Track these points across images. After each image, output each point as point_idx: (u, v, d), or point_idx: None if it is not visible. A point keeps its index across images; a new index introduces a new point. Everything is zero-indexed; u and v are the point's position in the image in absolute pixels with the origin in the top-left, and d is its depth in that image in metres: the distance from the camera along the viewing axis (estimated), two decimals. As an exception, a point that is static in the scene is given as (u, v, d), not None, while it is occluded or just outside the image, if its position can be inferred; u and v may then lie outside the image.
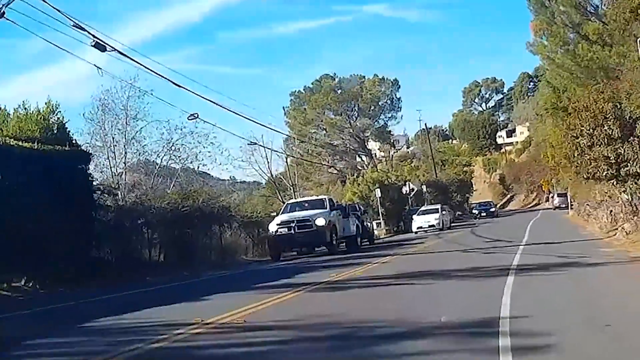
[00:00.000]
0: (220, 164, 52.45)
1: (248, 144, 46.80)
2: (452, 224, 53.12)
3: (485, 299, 11.12)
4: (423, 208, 51.38)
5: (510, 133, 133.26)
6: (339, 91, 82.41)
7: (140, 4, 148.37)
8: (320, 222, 28.78)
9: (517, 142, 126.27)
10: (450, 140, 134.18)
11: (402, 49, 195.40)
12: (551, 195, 78.63)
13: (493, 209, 71.12)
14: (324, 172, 79.30)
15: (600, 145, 21.10)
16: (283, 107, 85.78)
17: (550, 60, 33.76)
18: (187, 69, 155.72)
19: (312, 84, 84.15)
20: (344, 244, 32.26)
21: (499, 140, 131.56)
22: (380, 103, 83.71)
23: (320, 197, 34.30)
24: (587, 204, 34.61)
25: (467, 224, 54.24)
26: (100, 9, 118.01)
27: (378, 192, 50.65)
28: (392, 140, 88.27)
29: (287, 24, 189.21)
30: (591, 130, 21.14)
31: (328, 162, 78.92)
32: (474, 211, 72.57)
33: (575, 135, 21.74)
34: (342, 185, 68.47)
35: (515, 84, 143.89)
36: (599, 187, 33.19)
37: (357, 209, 37.69)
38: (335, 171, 79.35)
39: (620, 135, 20.65)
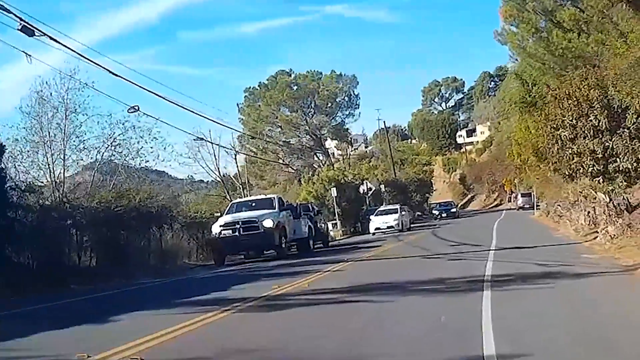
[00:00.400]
0: (163, 160, 48.94)
1: (194, 140, 43.60)
2: (412, 225, 50.76)
3: (461, 326, 8.52)
4: (381, 208, 48.90)
5: (471, 132, 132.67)
6: (295, 87, 79.41)
7: (100, 4, 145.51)
8: (268, 223, 26.10)
9: (477, 141, 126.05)
10: (410, 140, 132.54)
11: (362, 49, 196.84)
12: (514, 195, 77.01)
13: (454, 210, 68.85)
14: (280, 171, 76.54)
15: (585, 138, 18.52)
16: (237, 104, 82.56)
17: (521, 49, 31.31)
18: (146, 68, 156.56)
19: (267, 80, 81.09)
20: (295, 247, 29.68)
21: (459, 140, 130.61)
22: (337, 100, 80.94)
23: (268, 196, 31.45)
24: (558, 205, 32.22)
25: (427, 225, 51.79)
26: (62, 9, 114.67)
27: (334, 192, 48.08)
28: (349, 138, 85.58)
29: (248, 24, 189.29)
30: (574, 120, 18.54)
31: (284, 160, 76.05)
32: (434, 212, 70.17)
33: (555, 126, 19.09)
34: (299, 184, 65.78)
35: (476, 83, 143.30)
36: (571, 186, 30.94)
37: (310, 209, 35.03)
38: (292, 170, 76.53)
39: (608, 127, 18.02)
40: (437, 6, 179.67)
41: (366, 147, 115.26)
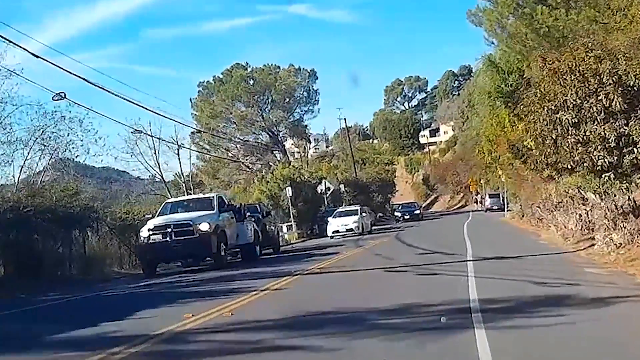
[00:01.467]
0: (95, 155, 44.01)
1: (132, 132, 39.09)
2: (373, 228, 47.00)
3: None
4: (340, 209, 45.02)
5: (434, 132, 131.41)
6: (251, 82, 75.09)
7: (64, 3, 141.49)
8: (204, 226, 22.14)
9: (441, 141, 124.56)
10: (372, 140, 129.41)
11: (325, 48, 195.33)
12: (481, 196, 73.98)
13: (417, 211, 65.03)
14: (236, 170, 72.24)
15: (593, 122, 14.74)
16: (190, 99, 77.88)
17: (499, 29, 27.59)
18: (110, 67, 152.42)
19: (222, 74, 76.54)
20: (239, 255, 25.81)
21: (422, 140, 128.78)
22: (295, 95, 76.84)
23: (207, 195, 27.23)
24: (538, 206, 28.63)
25: (390, 228, 48.07)
26: (25, 7, 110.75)
27: (289, 191, 44.15)
28: (308, 135, 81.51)
29: (211, 22, 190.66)
30: (579, 100, 14.75)
31: (238, 158, 71.79)
32: (396, 213, 66.14)
33: (553, 108, 15.25)
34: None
35: (439, 82, 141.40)
36: (553, 186, 27.42)
37: (259, 210, 31.07)
38: (249, 169, 72.21)
39: (623, 108, 14.25)
40: (400, 5, 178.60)
41: (327, 147, 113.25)
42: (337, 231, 40.35)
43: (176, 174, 48.54)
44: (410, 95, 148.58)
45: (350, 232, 39.96)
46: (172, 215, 23.90)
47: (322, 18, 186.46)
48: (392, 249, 25.67)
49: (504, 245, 22.37)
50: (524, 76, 30.31)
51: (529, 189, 33.31)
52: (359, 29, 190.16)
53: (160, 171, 39.08)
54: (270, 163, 70.46)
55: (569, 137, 15.13)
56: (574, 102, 14.72)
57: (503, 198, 54.59)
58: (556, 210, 24.99)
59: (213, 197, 25.16)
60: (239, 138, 73.29)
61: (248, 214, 27.91)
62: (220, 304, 12.08)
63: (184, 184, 39.91)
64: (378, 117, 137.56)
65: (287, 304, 12.10)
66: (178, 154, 38.96)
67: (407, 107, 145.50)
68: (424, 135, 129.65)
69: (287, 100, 75.64)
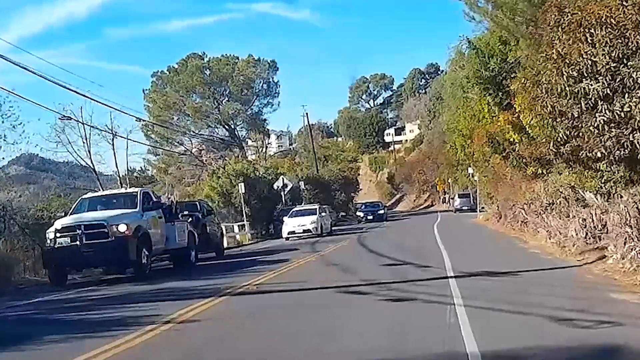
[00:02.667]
0: (14, 143, 39.48)
1: (59, 119, 34.22)
2: (334, 228, 42.93)
3: None
4: (297, 208, 40.71)
5: (400, 131, 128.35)
6: (207, 72, 70.43)
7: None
8: (122, 228, 17.88)
9: (406, 140, 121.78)
10: (336, 138, 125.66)
11: (289, 46, 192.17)
12: (449, 195, 70.45)
13: (382, 211, 60.21)
14: (191, 165, 67.64)
15: (631, 94, 10.64)
16: (143, 90, 72.90)
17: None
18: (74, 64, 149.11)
19: (177, 64, 71.78)
20: (171, 261, 21.66)
21: (387, 139, 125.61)
22: (254, 87, 72.36)
23: (130, 190, 22.68)
24: (522, 208, 24.68)
25: (352, 229, 43.86)
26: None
27: (242, 188, 39.79)
28: (266, 129, 76.96)
29: (173, 21, 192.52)
30: (613, 64, 10.67)
31: (192, 152, 67.24)
32: (358, 213, 61.59)
33: (576, 75, 11.10)
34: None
35: (405, 80, 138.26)
36: (540, 184, 23.59)
37: (199, 208, 26.80)
38: (202, 164, 67.56)
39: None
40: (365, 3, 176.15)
41: (291, 145, 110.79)
42: (293, 232, 36.25)
43: (91, 161, 41.41)
44: (375, 93, 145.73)
45: (308, 234, 35.90)
46: (86, 214, 19.50)
47: (288, 17, 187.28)
48: (352, 256, 21.59)
49: (488, 255, 18.49)
50: (507, 60, 26.67)
51: (507, 188, 29.48)
52: (324, 28, 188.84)
53: (92, 162, 34.27)
54: (227, 158, 65.89)
55: (597, 114, 11.04)
56: (606, 67, 10.67)
57: (474, 198, 50.98)
58: (546, 212, 21.12)
59: (137, 192, 20.59)
60: (193, 132, 68.57)
61: (185, 213, 23.81)
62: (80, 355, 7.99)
63: (119, 178, 35.04)
64: (343, 115, 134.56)
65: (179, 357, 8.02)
66: (113, 144, 34.10)
67: (372, 105, 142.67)
68: (389, 134, 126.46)
69: (245, 92, 71.11)
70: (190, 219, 23.75)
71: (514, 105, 23.93)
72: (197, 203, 28.69)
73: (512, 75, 25.09)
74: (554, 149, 13.32)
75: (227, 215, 43.72)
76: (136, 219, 18.71)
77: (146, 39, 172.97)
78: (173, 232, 20.77)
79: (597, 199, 17.36)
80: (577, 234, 16.80)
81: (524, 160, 25.59)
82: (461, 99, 39.41)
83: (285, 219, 37.78)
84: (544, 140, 14.26)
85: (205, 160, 66.96)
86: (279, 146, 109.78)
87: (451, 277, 13.28)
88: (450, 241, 24.03)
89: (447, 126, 50.01)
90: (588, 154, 12.05)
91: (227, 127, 70.97)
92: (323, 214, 39.51)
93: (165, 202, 21.99)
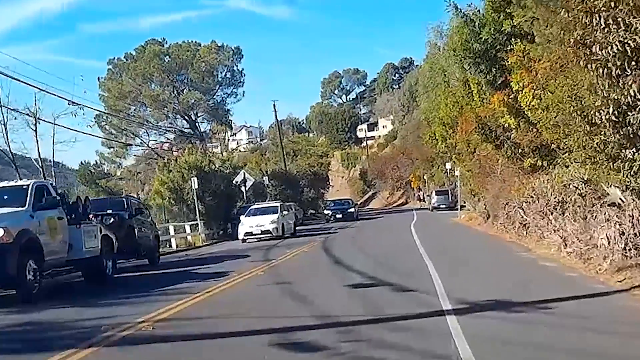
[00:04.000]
0: None
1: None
2: (300, 228, 38.35)
3: None
4: (256, 206, 35.89)
5: (372, 126, 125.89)
6: (167, 59, 65.55)
7: None
8: (-3, 233, 12.98)
9: (379, 135, 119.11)
10: (308, 133, 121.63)
11: (262, 42, 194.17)
12: (424, 192, 66.24)
13: (352, 209, 55.13)
14: (143, 157, 62.84)
15: None
16: (98, 78, 67.72)
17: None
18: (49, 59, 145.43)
19: (134, 50, 66.81)
20: (80, 273, 16.81)
21: (360, 134, 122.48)
22: (217, 75, 67.56)
23: (21, 183, 17.50)
24: (520, 207, 20.17)
25: (319, 229, 39.23)
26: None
27: (194, 182, 35.10)
28: (229, 121, 72.09)
29: (148, 17, 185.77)
30: None
31: (147, 144, 62.45)
32: (326, 211, 56.75)
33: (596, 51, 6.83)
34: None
35: (379, 75, 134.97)
36: (544, 178, 19.14)
37: (126, 205, 21.96)
38: (159, 157, 62.64)
39: None
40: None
41: (262, 140, 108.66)
42: (250, 233, 31.61)
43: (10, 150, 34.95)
44: (348, 88, 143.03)
45: (267, 235, 31.32)
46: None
47: (262, 13, 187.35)
48: (311, 269, 16.93)
49: (491, 270, 13.96)
50: (502, 29, 22.38)
51: (497, 184, 25.10)
52: (298, 23, 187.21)
53: (10, 150, 29.19)
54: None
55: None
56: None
57: (453, 195, 46.77)
58: (555, 213, 16.67)
59: (29, 185, 15.57)
60: (150, 123, 63.62)
61: (107, 212, 19.14)
62: None
63: (41, 168, 30.06)
64: (315, 111, 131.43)
65: None
66: (35, 129, 28.96)
67: (344, 101, 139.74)
68: (362, 130, 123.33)
69: (207, 80, 66.31)
70: (111, 220, 19.10)
71: (510, 84, 20.22)
72: (124, 200, 23.62)
73: (507, 48, 21.24)
74: (594, 144, 8.84)
75: (178, 214, 39.12)
76: (21, 221, 13.85)
77: (120, 35, 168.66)
78: (79, 237, 15.83)
79: (625, 197, 12.98)
80: (609, 244, 12.33)
81: (521, 150, 21.81)
82: (442, 85, 35.31)
83: (242, 218, 33.16)
84: (550, 124, 9.84)
85: (163, 154, 62.17)
86: (250, 142, 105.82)
87: (448, 311, 8.83)
88: (435, 247, 19.56)
89: (425, 115, 45.80)
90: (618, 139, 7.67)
91: (187, 117, 66.18)
92: (285, 212, 34.96)
93: (69, 198, 17.16)
